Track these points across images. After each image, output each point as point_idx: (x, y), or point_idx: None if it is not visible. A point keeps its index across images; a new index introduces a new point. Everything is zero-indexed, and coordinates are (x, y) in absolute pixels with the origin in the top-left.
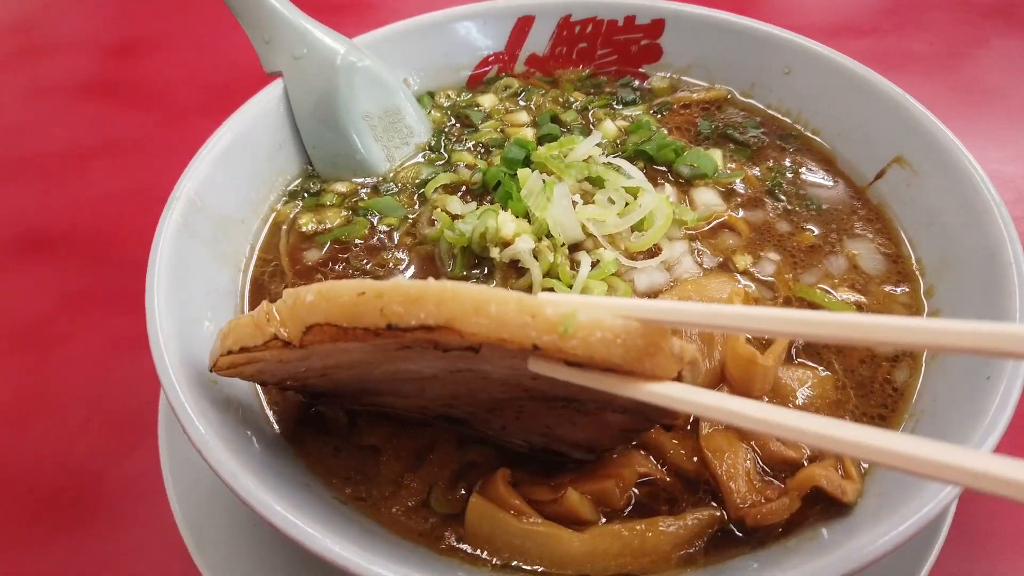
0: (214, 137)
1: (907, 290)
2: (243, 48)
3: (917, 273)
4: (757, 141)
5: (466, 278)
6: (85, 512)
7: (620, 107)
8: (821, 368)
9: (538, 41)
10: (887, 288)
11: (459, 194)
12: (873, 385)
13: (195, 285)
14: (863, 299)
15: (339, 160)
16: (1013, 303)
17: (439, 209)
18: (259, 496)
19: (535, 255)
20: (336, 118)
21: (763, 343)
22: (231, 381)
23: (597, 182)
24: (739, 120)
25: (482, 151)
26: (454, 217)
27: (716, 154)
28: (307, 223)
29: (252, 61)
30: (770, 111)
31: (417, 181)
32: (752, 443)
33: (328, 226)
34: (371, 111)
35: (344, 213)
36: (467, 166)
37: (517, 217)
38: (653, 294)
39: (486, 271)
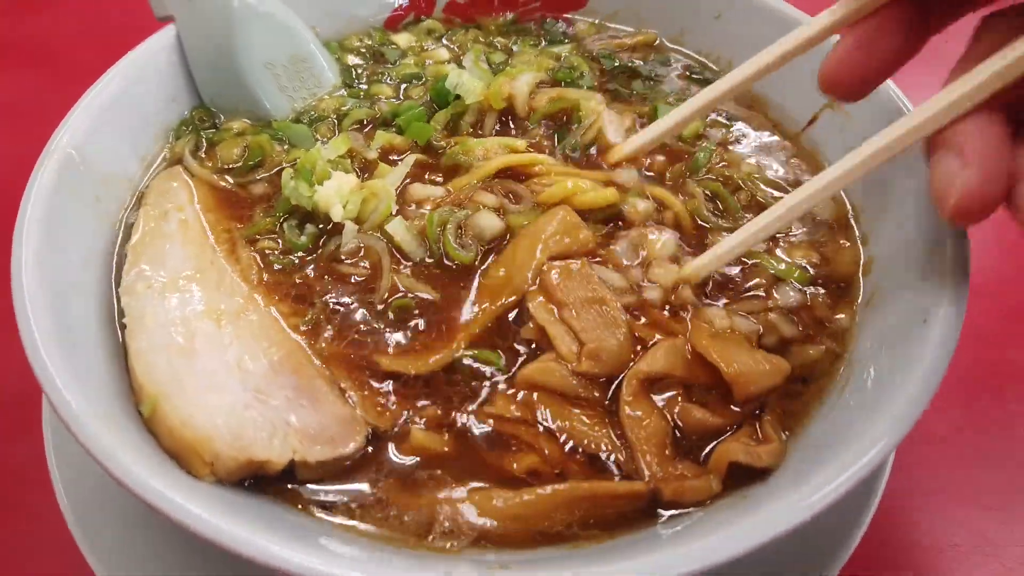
0: (94, 88)
1: (845, 243)
2: (141, 2)
3: (852, 221)
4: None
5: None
6: None
7: (547, 45)
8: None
9: None
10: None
11: (367, 129)
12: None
13: (72, 250)
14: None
15: (240, 113)
16: (945, 243)
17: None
18: (133, 471)
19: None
20: (236, 67)
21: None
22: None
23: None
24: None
25: (403, 85)
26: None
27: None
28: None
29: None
30: (699, 56)
31: (339, 113)
32: (675, 413)
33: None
34: (275, 59)
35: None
36: (387, 99)
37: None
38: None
39: None
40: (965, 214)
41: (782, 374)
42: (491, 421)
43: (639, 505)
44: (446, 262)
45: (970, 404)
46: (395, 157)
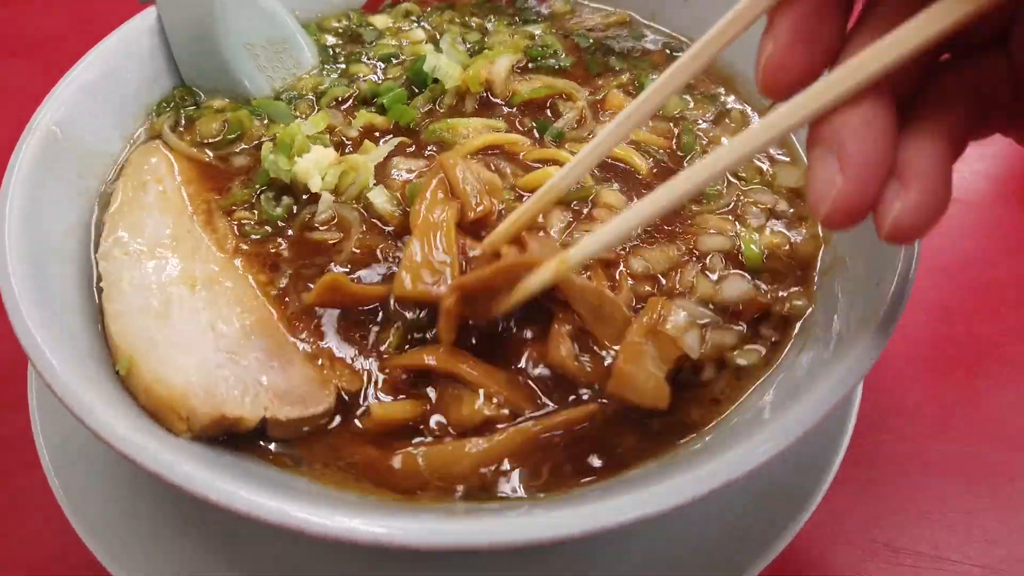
0: (76, 67)
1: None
2: None
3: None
4: (640, 51)
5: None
6: None
7: (521, 24)
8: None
9: None
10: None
11: (346, 107)
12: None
13: (53, 222)
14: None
15: (221, 93)
16: None
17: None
18: (113, 426)
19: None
20: (216, 48)
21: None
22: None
23: None
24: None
25: (380, 65)
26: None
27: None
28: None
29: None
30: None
31: (317, 91)
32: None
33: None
34: (254, 40)
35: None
36: (365, 78)
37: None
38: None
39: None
40: (836, 224)
41: (652, 402)
42: (435, 366)
43: (602, 420)
44: None
45: (937, 378)
46: (377, 134)
